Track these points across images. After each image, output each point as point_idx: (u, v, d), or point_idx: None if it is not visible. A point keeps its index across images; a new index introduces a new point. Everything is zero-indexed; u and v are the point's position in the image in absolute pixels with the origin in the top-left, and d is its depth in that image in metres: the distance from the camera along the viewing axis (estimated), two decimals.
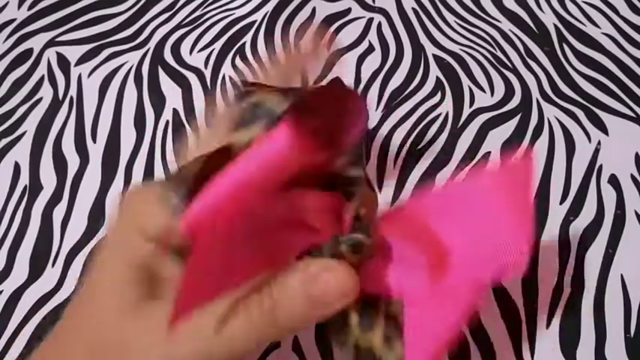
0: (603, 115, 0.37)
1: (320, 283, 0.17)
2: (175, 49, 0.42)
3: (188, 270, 0.15)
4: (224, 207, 0.15)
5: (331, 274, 0.17)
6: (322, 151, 0.15)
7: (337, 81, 0.17)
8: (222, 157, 0.16)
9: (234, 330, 0.17)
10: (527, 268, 0.18)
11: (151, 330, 0.18)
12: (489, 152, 0.35)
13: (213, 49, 0.42)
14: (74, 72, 0.41)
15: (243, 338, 0.17)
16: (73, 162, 0.36)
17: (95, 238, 0.32)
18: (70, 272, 0.31)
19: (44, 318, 0.30)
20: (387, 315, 0.18)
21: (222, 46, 0.42)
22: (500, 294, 0.30)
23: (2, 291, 0.30)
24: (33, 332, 0.29)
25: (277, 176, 0.15)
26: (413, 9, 0.45)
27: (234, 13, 0.44)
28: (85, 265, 0.31)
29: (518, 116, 0.37)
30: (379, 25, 0.43)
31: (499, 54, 0.41)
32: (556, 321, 0.29)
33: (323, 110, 0.16)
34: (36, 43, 0.43)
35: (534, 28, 0.43)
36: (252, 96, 0.17)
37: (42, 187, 0.34)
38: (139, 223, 0.19)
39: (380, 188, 0.34)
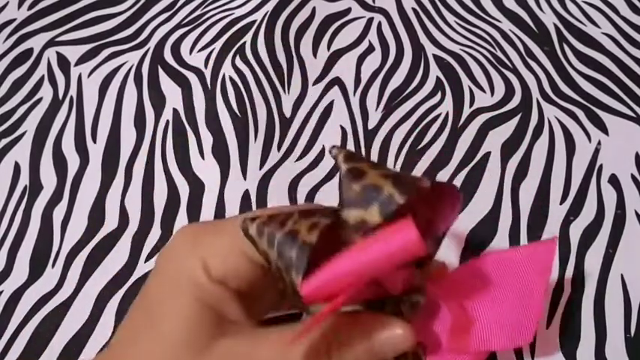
0: (603, 115, 0.37)
1: (381, 337, 0.18)
2: (175, 49, 0.42)
3: (310, 324, 0.16)
4: (343, 284, 0.16)
5: (390, 331, 0.19)
6: (426, 243, 0.17)
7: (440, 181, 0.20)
8: (334, 231, 0.17)
9: None
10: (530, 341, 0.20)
11: None
12: (489, 152, 0.35)
13: (213, 49, 0.42)
14: (74, 72, 0.41)
15: None
16: (73, 162, 0.36)
17: (95, 238, 0.32)
18: (70, 272, 0.31)
19: (44, 318, 0.30)
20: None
21: (222, 45, 0.42)
22: None
23: (2, 291, 0.30)
24: (33, 332, 0.29)
25: (392, 265, 0.16)
26: (413, 9, 0.45)
27: (233, 13, 0.44)
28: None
29: (518, 116, 0.37)
30: (379, 25, 0.43)
31: (499, 54, 0.41)
32: (556, 321, 0.29)
33: (431, 205, 0.18)
34: (36, 43, 0.43)
35: (534, 28, 0.43)
36: (366, 178, 0.17)
37: (42, 187, 0.34)
38: (204, 260, 0.19)
39: None
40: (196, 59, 0.41)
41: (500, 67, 0.40)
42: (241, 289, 0.20)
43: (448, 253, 0.31)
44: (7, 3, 0.45)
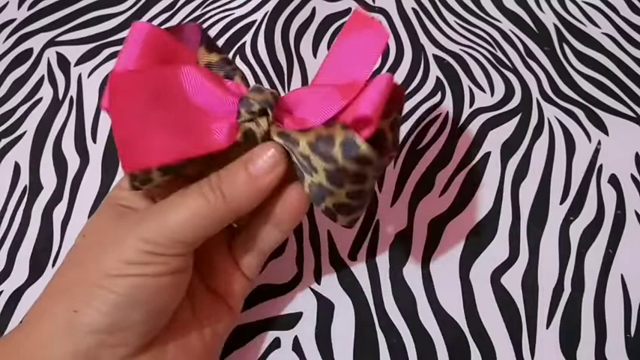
0: (603, 115, 0.37)
1: (252, 156, 0.21)
2: None
3: (113, 119, 0.19)
4: (131, 74, 0.20)
5: (259, 148, 0.21)
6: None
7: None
8: None
9: (190, 208, 0.20)
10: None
11: None
12: (489, 152, 0.35)
13: None
14: (74, 72, 0.41)
15: (200, 217, 0.20)
16: (73, 162, 0.36)
17: None
18: None
19: None
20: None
21: (222, 45, 0.42)
22: (501, 294, 0.30)
23: (2, 291, 0.31)
24: None
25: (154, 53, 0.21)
26: (413, 9, 0.45)
27: (233, 13, 0.44)
28: None
29: (518, 116, 0.37)
30: None
31: (499, 54, 0.41)
32: (556, 321, 0.29)
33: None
34: (36, 43, 0.43)
35: (534, 28, 0.43)
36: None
37: (42, 187, 0.34)
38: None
39: (380, 189, 0.34)
40: None
41: (500, 67, 0.40)
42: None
43: (448, 253, 0.31)
44: (7, 3, 0.45)
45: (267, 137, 0.22)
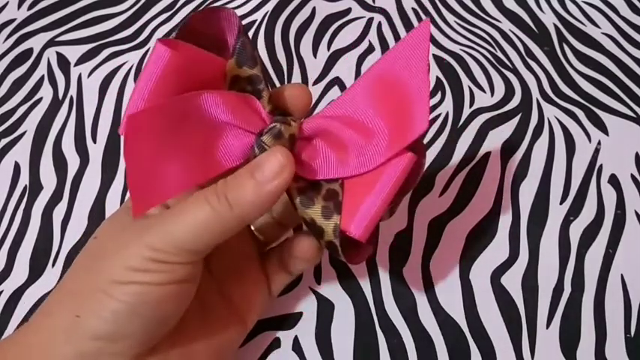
0: (603, 115, 0.37)
1: (259, 163, 0.20)
2: None
3: (127, 165, 0.18)
4: (145, 107, 0.19)
5: (266, 154, 0.21)
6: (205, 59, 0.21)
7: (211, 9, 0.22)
8: None
9: (195, 216, 0.19)
10: (428, 122, 0.20)
11: None
12: (489, 152, 0.35)
13: None
14: (74, 72, 0.41)
15: (206, 225, 0.20)
16: (73, 162, 0.36)
17: None
18: None
19: None
20: (327, 194, 0.22)
21: None
22: (501, 294, 0.30)
23: (2, 291, 0.31)
24: None
25: (177, 79, 0.20)
26: (413, 9, 0.45)
27: None
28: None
29: (518, 116, 0.37)
30: (379, 25, 0.44)
31: (499, 54, 0.41)
32: (556, 321, 0.29)
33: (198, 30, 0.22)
34: (36, 43, 0.43)
35: (534, 28, 0.43)
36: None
37: (42, 187, 0.34)
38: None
39: None
40: None
41: (500, 67, 0.40)
42: None
43: (448, 253, 0.31)
44: (7, 3, 0.45)
45: None
